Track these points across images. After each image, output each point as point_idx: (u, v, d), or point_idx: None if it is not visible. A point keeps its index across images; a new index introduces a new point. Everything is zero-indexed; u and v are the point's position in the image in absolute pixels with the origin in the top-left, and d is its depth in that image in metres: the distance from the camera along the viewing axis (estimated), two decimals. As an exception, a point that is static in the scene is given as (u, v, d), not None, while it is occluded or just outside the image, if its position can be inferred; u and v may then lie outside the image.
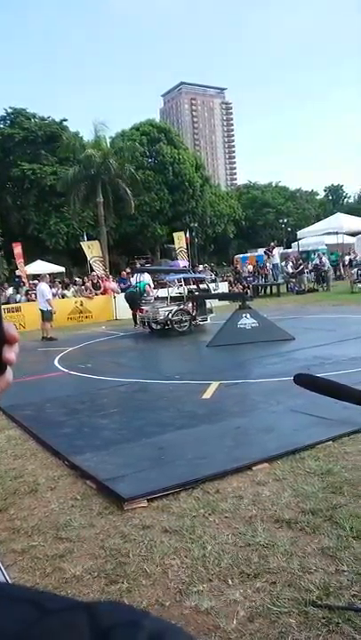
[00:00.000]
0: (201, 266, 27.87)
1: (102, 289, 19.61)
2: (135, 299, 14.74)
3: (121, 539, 3.21)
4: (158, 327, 13.33)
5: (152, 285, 16.03)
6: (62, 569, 2.96)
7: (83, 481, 4.16)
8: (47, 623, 0.29)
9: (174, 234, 28.27)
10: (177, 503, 3.59)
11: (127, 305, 15.54)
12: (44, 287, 14.33)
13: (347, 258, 26.53)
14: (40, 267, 28.63)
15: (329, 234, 28.30)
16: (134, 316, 14.86)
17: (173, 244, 29.05)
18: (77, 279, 23.01)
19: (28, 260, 28.26)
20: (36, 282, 19.29)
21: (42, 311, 14.00)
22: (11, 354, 0.62)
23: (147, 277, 15.96)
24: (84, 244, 24.46)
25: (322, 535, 3.02)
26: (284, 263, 25.17)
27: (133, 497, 3.66)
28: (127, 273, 20.74)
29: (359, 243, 28.42)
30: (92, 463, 4.41)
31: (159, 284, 16.87)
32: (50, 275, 19.17)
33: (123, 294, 17.73)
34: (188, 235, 28.43)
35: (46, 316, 13.95)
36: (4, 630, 0.28)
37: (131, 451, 4.71)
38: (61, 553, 3.12)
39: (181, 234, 27.88)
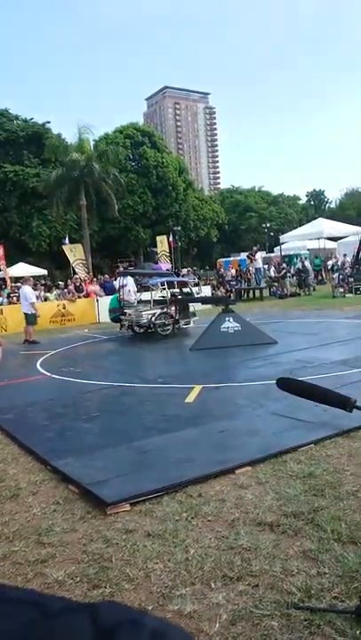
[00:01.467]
0: (185, 270, 27.90)
1: (85, 292, 19.53)
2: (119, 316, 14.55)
3: (104, 543, 3.20)
4: (141, 330, 13.32)
5: (135, 289, 15.98)
6: (44, 574, 2.94)
7: (65, 485, 4.14)
8: (51, 624, 0.30)
9: (157, 237, 28.27)
10: (160, 507, 3.59)
11: (108, 307, 15.46)
12: (27, 290, 14.13)
13: (330, 263, 26.77)
14: (22, 269, 28.40)
15: (311, 238, 28.57)
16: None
17: (156, 247, 28.98)
18: (60, 282, 22.89)
19: (10, 262, 27.99)
20: (18, 284, 19.13)
21: (26, 315, 13.83)
22: None
23: (130, 281, 15.93)
24: (66, 248, 24.25)
25: (304, 538, 3.05)
26: (266, 267, 25.33)
27: (116, 501, 3.65)
28: (110, 277, 20.78)
29: (341, 248, 28.76)
30: (74, 467, 4.38)
31: (142, 288, 16.86)
32: (32, 277, 18.99)
33: (105, 298, 17.68)
34: (171, 238, 28.40)
35: (30, 319, 13.78)
36: (8, 632, 0.29)
37: (113, 455, 4.70)
38: (43, 558, 3.10)
39: (164, 237, 27.88)
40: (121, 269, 24.63)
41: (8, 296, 19.95)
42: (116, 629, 0.30)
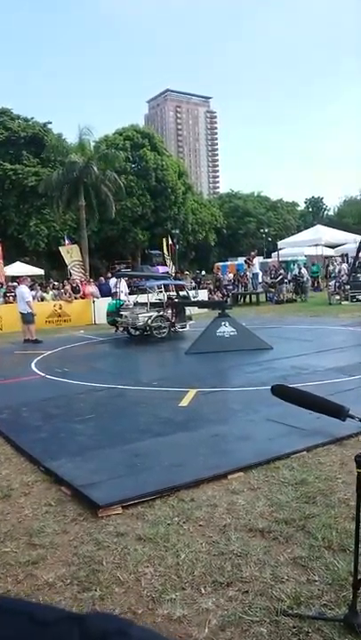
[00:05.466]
0: (183, 274, 27.94)
1: (82, 293, 19.52)
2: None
3: (95, 546, 3.20)
4: (137, 333, 13.32)
5: (127, 290, 16.00)
6: (35, 576, 2.94)
7: (57, 487, 4.13)
8: (40, 635, 0.31)
9: (164, 239, 28.32)
10: (152, 511, 3.59)
11: (106, 310, 15.48)
12: (24, 289, 14.04)
13: (331, 268, 26.74)
14: (19, 268, 28.36)
15: (309, 245, 28.62)
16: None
17: (155, 249, 29.02)
18: (56, 282, 22.84)
19: (7, 261, 27.93)
20: (14, 284, 19.09)
21: (22, 314, 13.74)
22: None
23: (122, 283, 15.94)
24: (63, 249, 24.16)
25: (294, 545, 3.06)
26: (263, 273, 25.38)
27: (108, 504, 3.65)
28: (106, 278, 20.89)
29: (337, 255, 28.78)
30: (67, 469, 4.38)
31: (139, 290, 16.88)
32: (29, 277, 18.96)
33: (102, 300, 17.71)
34: (170, 241, 28.44)
35: (27, 318, 13.69)
36: None
37: (106, 457, 4.70)
38: (34, 559, 3.10)
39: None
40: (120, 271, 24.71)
41: (4, 295, 19.89)
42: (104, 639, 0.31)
